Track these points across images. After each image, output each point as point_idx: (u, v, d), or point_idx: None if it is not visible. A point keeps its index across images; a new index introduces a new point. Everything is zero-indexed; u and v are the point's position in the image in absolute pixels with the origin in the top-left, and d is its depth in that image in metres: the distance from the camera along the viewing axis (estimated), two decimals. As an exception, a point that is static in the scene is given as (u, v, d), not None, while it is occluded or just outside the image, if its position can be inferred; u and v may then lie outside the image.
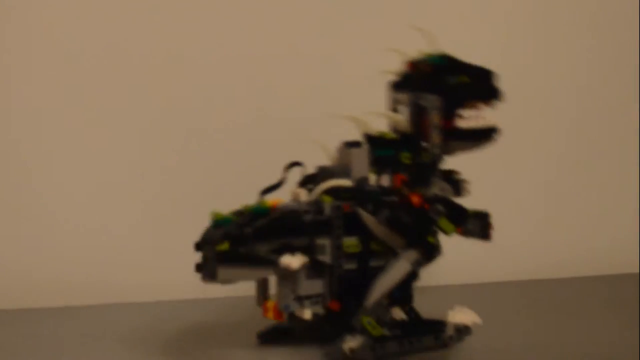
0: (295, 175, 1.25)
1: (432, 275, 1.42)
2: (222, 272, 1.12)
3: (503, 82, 1.30)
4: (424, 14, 1.67)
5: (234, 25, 1.56)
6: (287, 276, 1.15)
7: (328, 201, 1.16)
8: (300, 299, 1.15)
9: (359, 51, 1.55)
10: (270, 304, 1.18)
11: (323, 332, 1.21)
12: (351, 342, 1.14)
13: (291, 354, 1.23)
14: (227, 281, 1.14)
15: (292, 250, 1.13)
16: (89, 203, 1.50)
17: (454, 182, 1.27)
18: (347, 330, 1.15)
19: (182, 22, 1.54)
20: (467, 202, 1.28)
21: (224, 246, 1.11)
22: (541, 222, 1.77)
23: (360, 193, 1.17)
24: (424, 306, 1.23)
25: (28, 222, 1.47)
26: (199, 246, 1.14)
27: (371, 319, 1.15)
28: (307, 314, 1.16)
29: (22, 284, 1.45)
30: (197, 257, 1.44)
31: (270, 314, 1.18)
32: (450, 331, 1.15)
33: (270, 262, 1.12)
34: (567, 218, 1.79)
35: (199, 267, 1.14)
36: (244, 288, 1.22)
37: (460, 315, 1.15)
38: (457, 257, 1.28)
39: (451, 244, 1.23)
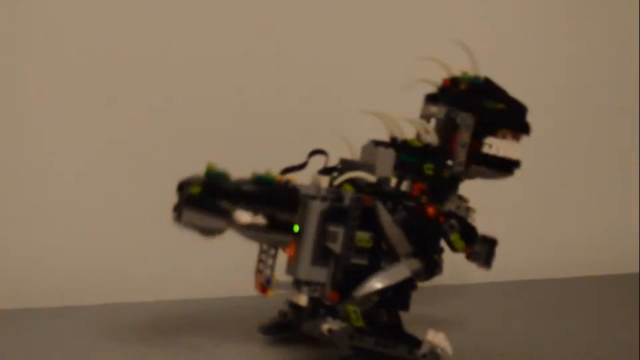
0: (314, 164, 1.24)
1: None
2: (187, 214, 1.11)
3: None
4: (421, 13, 1.67)
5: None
6: (271, 248, 1.14)
7: (349, 190, 1.16)
8: (299, 284, 1.13)
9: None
10: (260, 276, 1.17)
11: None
12: (332, 324, 1.13)
13: (292, 352, 1.23)
14: (190, 224, 1.12)
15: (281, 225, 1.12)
16: (90, 203, 1.50)
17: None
18: (332, 314, 1.15)
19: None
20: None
21: (195, 189, 1.11)
22: (541, 222, 1.77)
23: (382, 189, 1.17)
24: (423, 306, 1.23)
25: (28, 222, 1.47)
26: (177, 187, 1.14)
27: (357, 309, 1.15)
28: (302, 299, 1.15)
29: (22, 284, 1.45)
30: (199, 256, 1.45)
31: (257, 286, 1.17)
32: (425, 349, 1.13)
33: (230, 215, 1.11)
34: (567, 218, 1.79)
35: (174, 208, 1.14)
36: (244, 288, 1.22)
37: (438, 339, 1.14)
38: (456, 257, 1.28)
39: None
